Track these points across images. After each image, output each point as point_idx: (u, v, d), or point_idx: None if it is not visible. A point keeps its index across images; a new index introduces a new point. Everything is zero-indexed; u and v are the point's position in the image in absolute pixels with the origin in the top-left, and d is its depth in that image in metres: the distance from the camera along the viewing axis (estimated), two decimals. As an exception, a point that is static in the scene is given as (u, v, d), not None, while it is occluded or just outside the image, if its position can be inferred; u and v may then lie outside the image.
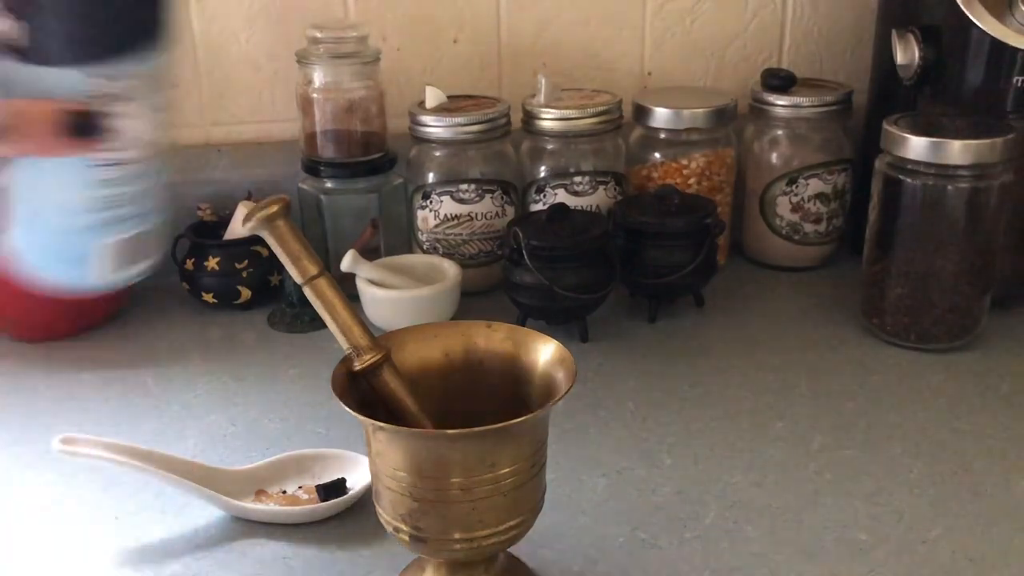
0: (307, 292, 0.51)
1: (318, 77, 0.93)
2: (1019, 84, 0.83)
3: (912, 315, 0.84)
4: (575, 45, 1.05)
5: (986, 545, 0.60)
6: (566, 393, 0.49)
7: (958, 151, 0.78)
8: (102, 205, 0.51)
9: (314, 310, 0.52)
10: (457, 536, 0.50)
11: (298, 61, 0.93)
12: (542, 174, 0.96)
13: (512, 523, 0.51)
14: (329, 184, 0.94)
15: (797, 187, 0.99)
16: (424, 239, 0.96)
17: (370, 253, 0.92)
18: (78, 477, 0.69)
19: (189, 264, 0.94)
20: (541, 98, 0.95)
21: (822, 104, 0.97)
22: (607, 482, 0.67)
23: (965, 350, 0.84)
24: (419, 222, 0.95)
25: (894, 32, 0.90)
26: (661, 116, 0.96)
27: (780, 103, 0.98)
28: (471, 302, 0.93)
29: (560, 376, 0.52)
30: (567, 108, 0.94)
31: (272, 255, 0.61)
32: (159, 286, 0.99)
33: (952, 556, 0.59)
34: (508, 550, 0.55)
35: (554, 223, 0.85)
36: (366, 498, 0.62)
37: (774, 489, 0.66)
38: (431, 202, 0.94)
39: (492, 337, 0.55)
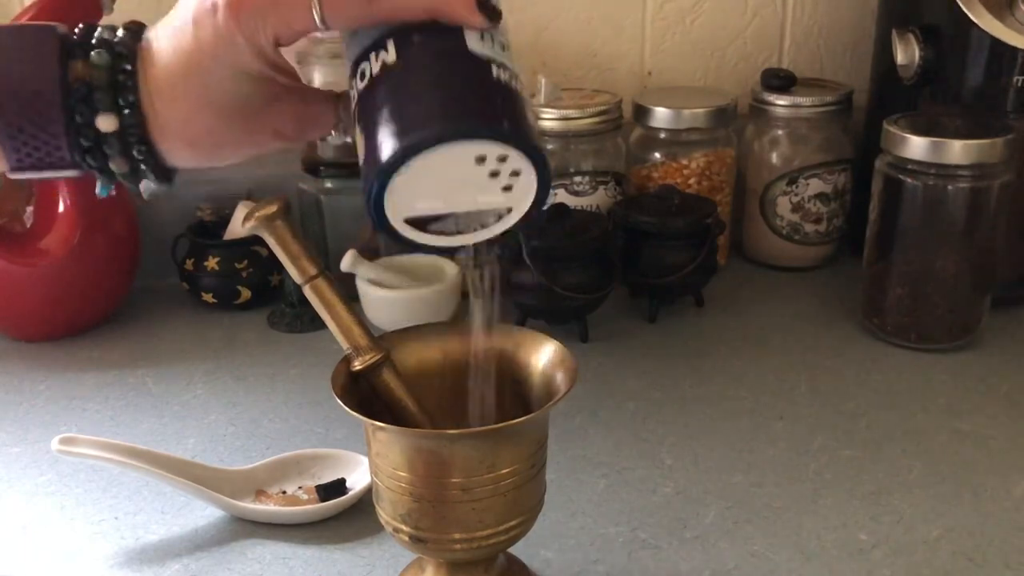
0: (307, 292, 0.51)
1: (318, 77, 0.92)
2: (1019, 84, 0.83)
3: (912, 315, 0.84)
4: (575, 45, 1.05)
5: (986, 545, 0.60)
6: (566, 393, 0.49)
7: (958, 151, 0.78)
8: None
9: (314, 310, 0.52)
10: (457, 536, 0.50)
11: (298, 62, 0.93)
12: (542, 174, 0.96)
13: (512, 523, 0.51)
14: (329, 184, 0.94)
15: (797, 187, 0.99)
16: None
17: (370, 253, 0.92)
18: (78, 477, 0.69)
19: (189, 264, 0.94)
20: (541, 98, 0.95)
21: (822, 104, 0.97)
22: (607, 482, 0.67)
23: (965, 350, 0.84)
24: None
25: (894, 32, 0.90)
26: (661, 116, 0.96)
27: (780, 103, 0.98)
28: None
29: (560, 376, 0.52)
30: (567, 108, 0.94)
31: (272, 255, 0.61)
32: (159, 286, 0.99)
33: (952, 556, 0.59)
34: (508, 550, 0.55)
35: (554, 223, 0.84)
36: (366, 498, 0.62)
37: (774, 489, 0.66)
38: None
39: (492, 337, 0.55)
